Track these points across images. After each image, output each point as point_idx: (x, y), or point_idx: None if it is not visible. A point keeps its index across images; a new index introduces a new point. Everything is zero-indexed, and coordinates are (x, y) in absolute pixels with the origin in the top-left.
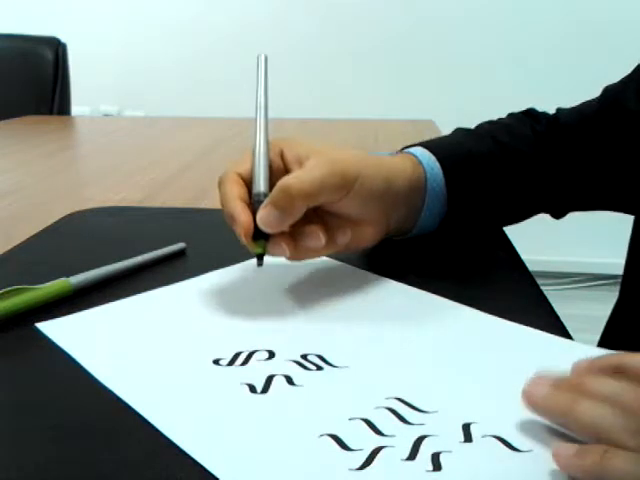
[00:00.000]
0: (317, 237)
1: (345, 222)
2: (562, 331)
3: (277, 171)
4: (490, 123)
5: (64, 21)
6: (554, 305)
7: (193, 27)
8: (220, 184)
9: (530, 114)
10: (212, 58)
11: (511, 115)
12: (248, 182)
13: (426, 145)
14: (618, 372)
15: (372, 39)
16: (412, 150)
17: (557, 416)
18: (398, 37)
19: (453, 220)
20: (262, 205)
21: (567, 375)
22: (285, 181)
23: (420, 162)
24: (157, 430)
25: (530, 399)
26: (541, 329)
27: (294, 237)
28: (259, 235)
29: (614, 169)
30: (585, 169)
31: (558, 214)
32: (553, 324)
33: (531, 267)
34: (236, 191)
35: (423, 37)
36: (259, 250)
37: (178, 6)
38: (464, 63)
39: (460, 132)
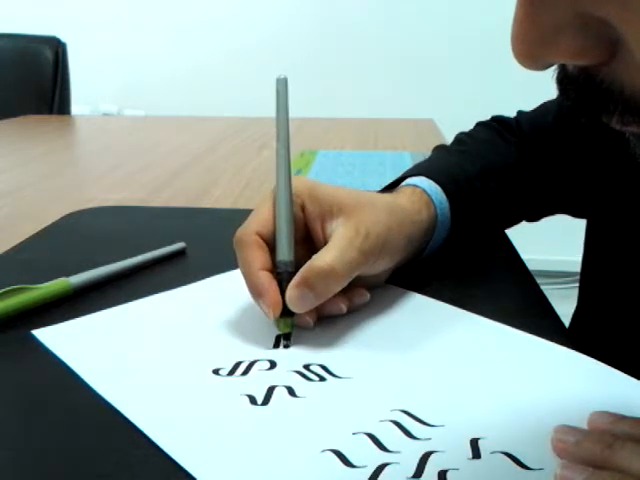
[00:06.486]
0: (339, 307)
1: (359, 278)
2: (562, 331)
3: (298, 225)
4: (470, 137)
5: (64, 21)
6: (554, 305)
7: (193, 27)
8: (239, 245)
9: (502, 122)
10: (212, 58)
11: (481, 125)
12: (270, 242)
13: (428, 174)
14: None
15: (372, 39)
16: (421, 184)
17: None
18: (398, 36)
19: (452, 242)
20: (293, 283)
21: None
22: (322, 264)
23: (431, 199)
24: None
25: None
26: (541, 329)
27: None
28: (286, 312)
29: (568, 177)
30: (547, 176)
31: (533, 218)
32: (553, 324)
33: (531, 267)
34: (259, 259)
35: (423, 37)
36: (287, 329)
37: (178, 6)
38: (465, 63)
39: (450, 153)
